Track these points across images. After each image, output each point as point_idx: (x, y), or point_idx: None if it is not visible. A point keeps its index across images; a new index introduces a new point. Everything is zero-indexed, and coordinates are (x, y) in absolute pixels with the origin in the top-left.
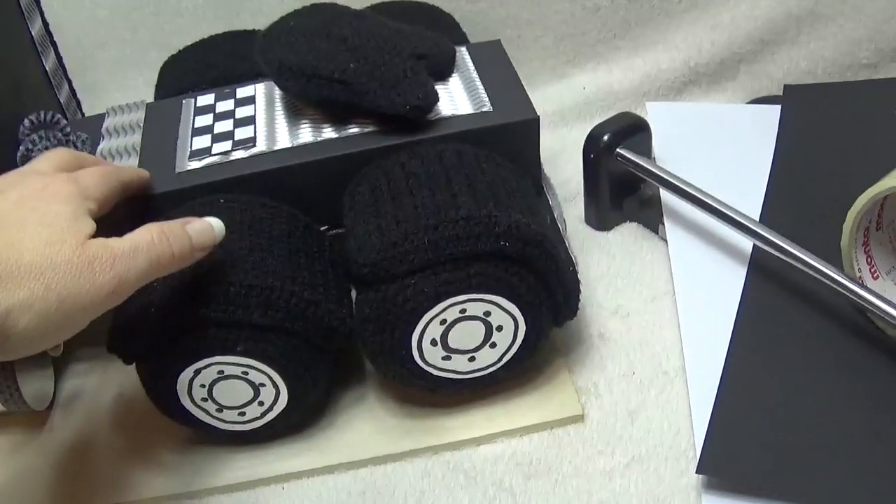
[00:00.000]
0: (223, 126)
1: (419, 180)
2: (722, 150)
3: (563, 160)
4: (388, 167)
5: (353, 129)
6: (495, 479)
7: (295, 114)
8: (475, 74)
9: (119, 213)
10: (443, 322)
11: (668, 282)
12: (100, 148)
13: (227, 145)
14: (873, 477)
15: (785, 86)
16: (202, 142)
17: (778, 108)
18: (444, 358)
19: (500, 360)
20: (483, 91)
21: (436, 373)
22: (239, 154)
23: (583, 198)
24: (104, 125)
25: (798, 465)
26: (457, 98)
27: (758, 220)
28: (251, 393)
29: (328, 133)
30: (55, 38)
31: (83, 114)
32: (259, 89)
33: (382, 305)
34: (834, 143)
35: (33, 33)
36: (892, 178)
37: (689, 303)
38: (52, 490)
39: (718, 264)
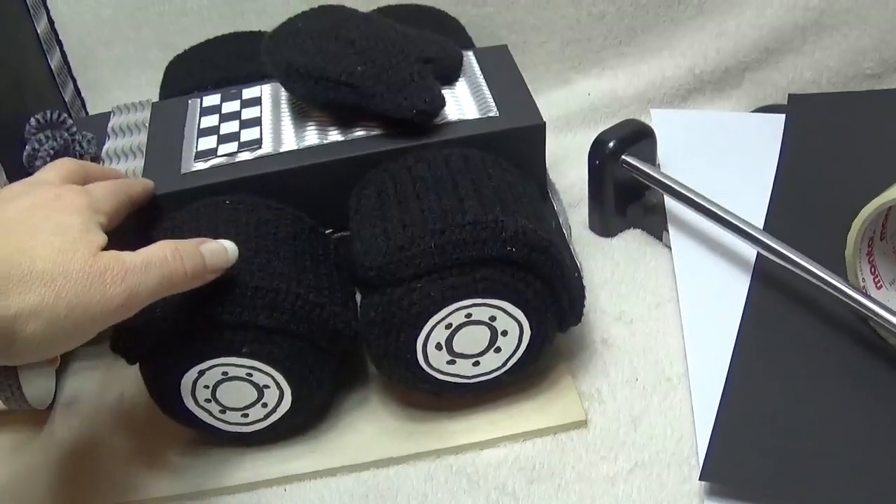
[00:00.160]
0: (229, 127)
1: (426, 184)
2: (726, 157)
3: (566, 166)
4: (394, 171)
5: (360, 132)
6: (498, 483)
7: (301, 116)
8: (482, 79)
9: (126, 220)
10: (448, 326)
11: (672, 288)
12: (105, 148)
13: (232, 146)
14: (876, 485)
15: (789, 95)
16: (208, 143)
17: (782, 116)
18: (448, 362)
19: (504, 364)
20: (490, 96)
21: (440, 377)
22: (245, 155)
23: (587, 203)
24: (110, 124)
25: (800, 473)
26: (463, 102)
27: (762, 227)
28: (255, 394)
29: (334, 136)
30: (60, 37)
31: (87, 112)
32: (265, 90)
33: (388, 309)
34: (838, 153)
35: (39, 32)
36: None
37: (693, 310)
38: (52, 490)
39: (722, 272)
